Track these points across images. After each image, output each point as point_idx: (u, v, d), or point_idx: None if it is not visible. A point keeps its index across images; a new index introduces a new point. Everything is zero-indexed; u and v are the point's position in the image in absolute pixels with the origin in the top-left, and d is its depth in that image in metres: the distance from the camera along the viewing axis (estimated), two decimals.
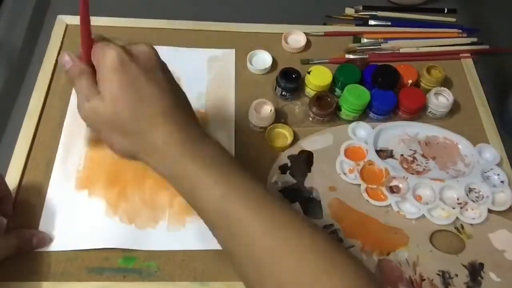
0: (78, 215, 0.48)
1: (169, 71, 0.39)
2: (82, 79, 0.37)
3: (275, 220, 0.34)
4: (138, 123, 0.35)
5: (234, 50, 0.62)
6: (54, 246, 0.46)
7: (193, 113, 0.40)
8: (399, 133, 0.56)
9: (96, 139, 0.53)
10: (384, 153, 0.54)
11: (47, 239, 0.46)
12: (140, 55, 0.37)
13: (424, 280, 0.46)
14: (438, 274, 0.47)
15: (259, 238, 0.33)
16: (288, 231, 0.34)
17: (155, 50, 0.38)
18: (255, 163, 0.53)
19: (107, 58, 0.35)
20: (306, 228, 0.35)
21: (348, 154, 0.53)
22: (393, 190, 0.52)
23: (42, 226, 0.47)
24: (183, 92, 0.40)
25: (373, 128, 0.55)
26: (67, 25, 0.62)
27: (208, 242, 0.46)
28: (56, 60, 0.59)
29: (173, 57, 0.60)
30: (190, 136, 0.36)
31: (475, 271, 0.47)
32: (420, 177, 0.52)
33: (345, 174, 0.52)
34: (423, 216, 0.50)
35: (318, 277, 0.32)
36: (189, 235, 0.47)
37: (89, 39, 0.37)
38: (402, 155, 0.55)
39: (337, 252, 0.34)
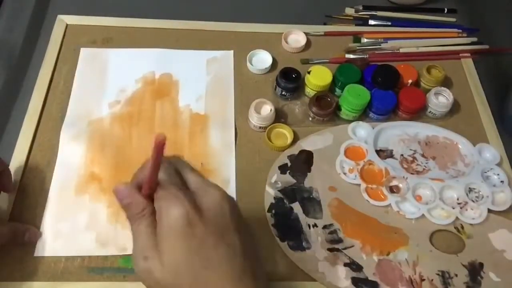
0: (80, 221, 0.47)
1: (243, 221, 0.34)
2: (142, 223, 0.32)
3: None
4: None
5: (232, 51, 0.62)
6: (54, 251, 0.46)
7: (263, 269, 0.35)
8: (399, 133, 0.56)
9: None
10: (384, 153, 0.54)
11: (38, 235, 0.46)
12: (210, 209, 0.32)
13: (424, 280, 0.46)
14: (438, 274, 0.47)
15: None
16: None
17: (229, 199, 0.33)
18: (255, 163, 0.53)
19: (172, 215, 0.31)
20: None
21: (348, 154, 0.53)
22: (393, 190, 0.52)
23: (43, 229, 0.47)
24: (254, 246, 0.35)
25: (373, 128, 0.55)
26: (67, 25, 0.62)
27: None
28: (56, 60, 0.59)
29: (172, 59, 0.61)
30: None
31: (475, 271, 0.47)
32: (420, 177, 0.52)
33: (345, 174, 0.52)
34: (423, 216, 0.50)
35: None
36: None
37: (157, 171, 0.32)
38: (402, 155, 0.55)
39: None
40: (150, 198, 0.33)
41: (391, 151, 0.55)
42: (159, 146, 0.30)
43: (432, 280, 0.46)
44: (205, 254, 0.31)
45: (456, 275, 0.47)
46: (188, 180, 0.34)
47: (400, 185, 0.52)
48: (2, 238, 0.43)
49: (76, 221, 0.47)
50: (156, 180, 0.32)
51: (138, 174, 0.34)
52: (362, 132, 0.56)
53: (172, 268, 0.31)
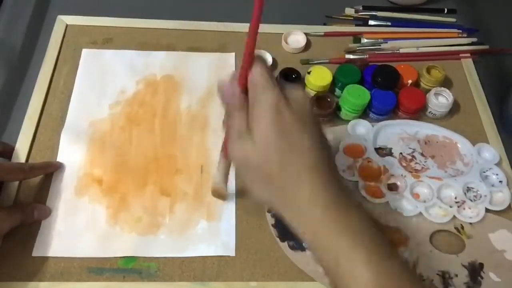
0: (79, 222, 0.47)
1: (320, 122, 0.38)
2: (241, 114, 0.35)
3: None
4: (285, 175, 0.34)
5: (234, 53, 0.62)
6: (54, 252, 0.46)
7: (337, 170, 0.38)
8: (398, 132, 0.56)
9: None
10: (383, 151, 0.54)
11: (47, 211, 0.47)
12: (295, 102, 0.35)
13: (424, 280, 0.46)
14: (438, 275, 0.47)
15: None
16: None
17: (309, 98, 0.37)
18: None
19: (265, 100, 0.34)
20: None
21: (346, 151, 0.53)
22: (391, 187, 0.52)
23: (42, 230, 0.47)
24: (330, 147, 0.38)
25: (372, 126, 0.55)
26: (67, 25, 0.62)
27: (210, 249, 0.47)
28: (56, 60, 0.59)
29: (173, 60, 0.60)
30: (335, 200, 0.34)
31: (475, 271, 0.47)
32: (418, 175, 0.52)
33: (343, 171, 0.52)
34: (421, 214, 0.50)
35: None
36: (190, 241, 0.47)
37: (251, 61, 0.36)
38: (401, 153, 0.55)
39: None
40: (245, 88, 0.36)
41: (390, 149, 0.55)
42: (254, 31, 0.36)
43: (432, 280, 0.46)
44: (291, 138, 0.34)
45: (456, 276, 0.47)
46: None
47: (398, 183, 0.52)
48: (14, 221, 0.44)
49: (76, 222, 0.47)
50: (252, 61, 0.36)
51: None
52: (361, 130, 0.56)
53: (262, 146, 0.34)
